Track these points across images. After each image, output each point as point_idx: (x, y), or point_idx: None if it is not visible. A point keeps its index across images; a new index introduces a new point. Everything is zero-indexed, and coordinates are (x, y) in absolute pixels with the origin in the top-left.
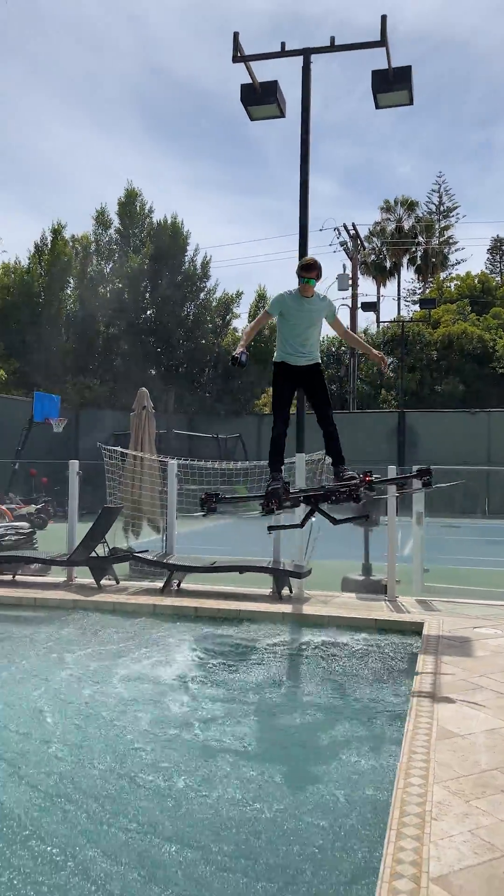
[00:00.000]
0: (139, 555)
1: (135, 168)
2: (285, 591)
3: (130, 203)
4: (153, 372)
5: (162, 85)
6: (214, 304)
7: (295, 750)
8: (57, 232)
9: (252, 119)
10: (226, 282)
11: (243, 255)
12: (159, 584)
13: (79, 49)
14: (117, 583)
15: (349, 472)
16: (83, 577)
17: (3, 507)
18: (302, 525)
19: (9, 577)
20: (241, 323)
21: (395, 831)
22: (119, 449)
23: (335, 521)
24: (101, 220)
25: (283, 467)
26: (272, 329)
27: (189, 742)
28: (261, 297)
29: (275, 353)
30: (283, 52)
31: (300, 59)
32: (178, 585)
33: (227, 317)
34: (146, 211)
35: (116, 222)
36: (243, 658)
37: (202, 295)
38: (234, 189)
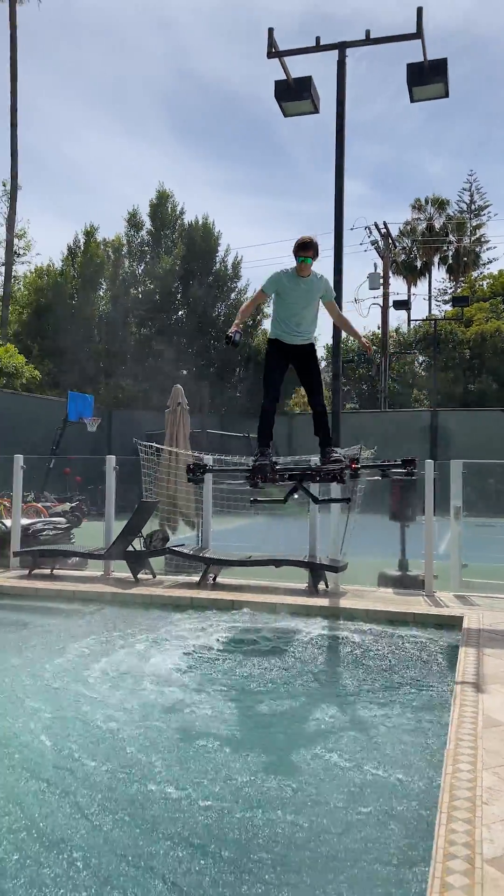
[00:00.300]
0: (176, 549)
1: (164, 171)
2: (321, 586)
3: (162, 205)
4: (185, 372)
5: (190, 88)
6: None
7: (343, 736)
8: (89, 234)
9: (286, 115)
10: (256, 282)
11: (273, 255)
12: (195, 579)
13: (109, 55)
14: (154, 576)
15: (336, 454)
16: (120, 571)
17: (39, 505)
18: (285, 501)
19: (47, 571)
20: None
21: (445, 814)
22: (154, 445)
23: (317, 501)
24: (133, 221)
25: (271, 442)
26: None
27: (251, 734)
28: None
29: (269, 330)
30: (319, 47)
31: (331, 59)
32: (214, 579)
33: (258, 316)
34: (177, 212)
35: (148, 224)
36: (284, 649)
37: (233, 295)
38: (262, 190)
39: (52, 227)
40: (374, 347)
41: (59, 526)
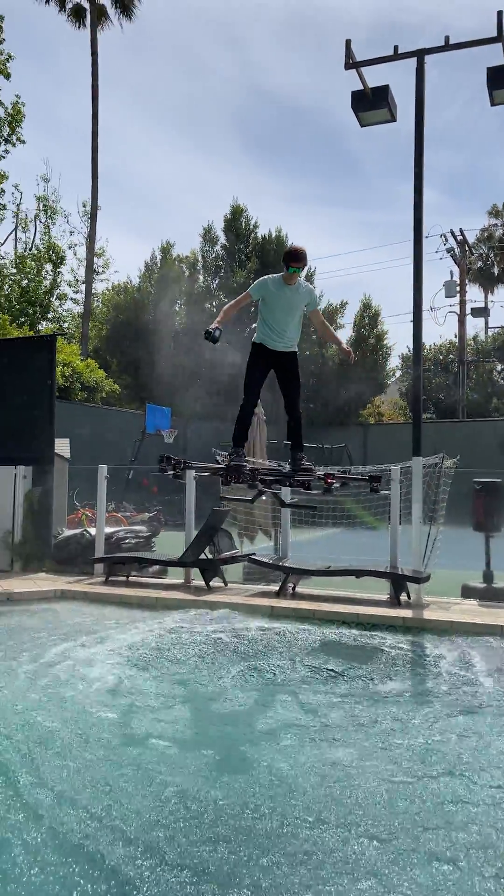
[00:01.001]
0: (257, 558)
1: (236, 187)
2: (403, 597)
3: (236, 219)
4: None
5: (260, 105)
6: None
7: (447, 749)
8: (165, 251)
9: (362, 125)
10: (329, 293)
11: (346, 266)
12: (273, 588)
13: (179, 75)
14: (225, 584)
15: (307, 463)
16: (198, 579)
17: (119, 515)
18: (252, 501)
19: (123, 578)
20: (345, 334)
21: None
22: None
23: (283, 505)
24: (208, 237)
25: (245, 444)
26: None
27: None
28: (365, 306)
29: (254, 335)
30: (397, 55)
31: (402, 67)
32: (293, 589)
33: (332, 327)
34: (251, 226)
35: (222, 238)
36: (370, 660)
37: None
38: (333, 202)
39: (129, 245)
40: (452, 357)
41: (140, 534)
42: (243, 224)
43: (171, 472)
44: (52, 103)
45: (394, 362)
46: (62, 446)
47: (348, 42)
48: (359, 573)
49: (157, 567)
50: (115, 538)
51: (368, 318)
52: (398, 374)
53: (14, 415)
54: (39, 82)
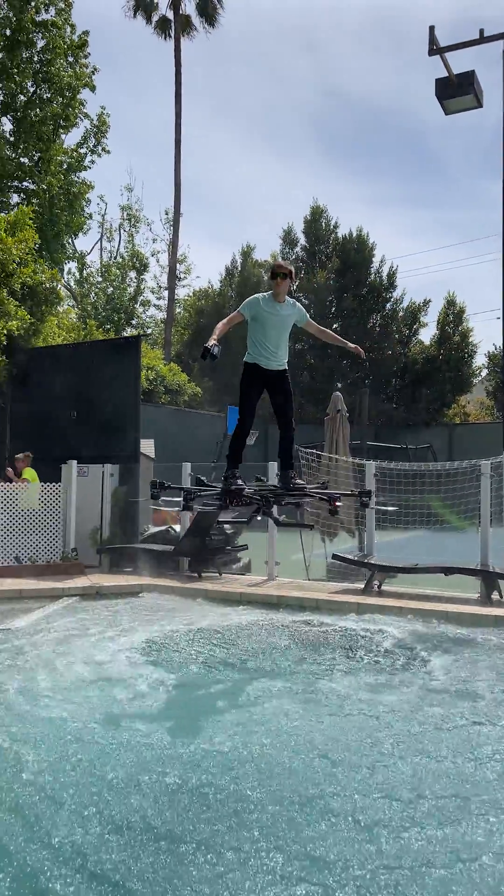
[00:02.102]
0: (342, 555)
1: (314, 191)
2: (495, 595)
3: (316, 220)
4: (339, 385)
5: (337, 108)
6: (401, 314)
7: None
8: (246, 255)
9: (447, 113)
10: (412, 293)
11: (429, 264)
12: (359, 586)
13: (259, 82)
14: (220, 574)
15: (300, 482)
16: (284, 575)
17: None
18: (248, 523)
19: (212, 573)
20: (428, 332)
21: None
22: (315, 452)
23: (279, 524)
24: (288, 239)
25: (240, 464)
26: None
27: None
28: (450, 303)
29: (246, 354)
30: (483, 39)
31: (480, 57)
32: (379, 587)
33: (415, 326)
34: (331, 227)
35: (303, 240)
36: (465, 656)
37: (388, 305)
38: (414, 202)
39: (210, 250)
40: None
41: (225, 531)
42: (323, 225)
43: (156, 496)
44: (135, 114)
45: (479, 360)
46: (147, 447)
47: (432, 28)
48: (448, 570)
49: (240, 563)
50: None
51: (453, 316)
52: (484, 372)
53: (101, 414)
54: (122, 94)
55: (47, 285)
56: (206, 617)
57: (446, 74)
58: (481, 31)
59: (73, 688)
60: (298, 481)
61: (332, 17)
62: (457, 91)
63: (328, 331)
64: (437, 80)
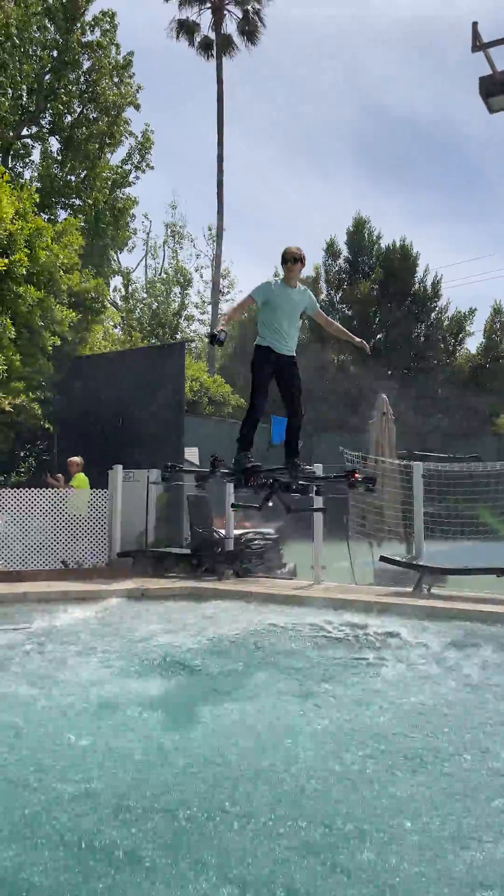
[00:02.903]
0: (387, 556)
1: (355, 206)
2: None
3: (359, 231)
4: (384, 396)
5: (378, 125)
6: (446, 323)
7: None
8: None
9: (491, 112)
10: (457, 301)
11: (472, 273)
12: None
13: (298, 100)
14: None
15: (308, 468)
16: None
17: (246, 524)
18: (260, 508)
19: (254, 577)
20: (474, 341)
21: None
22: (360, 454)
23: (289, 510)
24: (331, 251)
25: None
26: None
27: None
28: (496, 311)
29: (258, 338)
30: None
31: None
32: (429, 591)
33: (461, 335)
34: (374, 238)
35: (345, 251)
36: None
37: (433, 315)
38: (456, 215)
39: (253, 266)
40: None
41: (268, 536)
42: (366, 236)
43: (167, 478)
44: (177, 133)
45: None
46: (192, 454)
47: (475, 24)
48: (500, 571)
49: (287, 569)
50: (245, 539)
51: (500, 324)
52: None
53: (147, 420)
54: (166, 113)
55: (93, 294)
56: (270, 615)
57: (490, 72)
58: None
59: None
60: (307, 467)
61: (371, 35)
62: (500, 88)
63: (336, 323)
64: (480, 78)
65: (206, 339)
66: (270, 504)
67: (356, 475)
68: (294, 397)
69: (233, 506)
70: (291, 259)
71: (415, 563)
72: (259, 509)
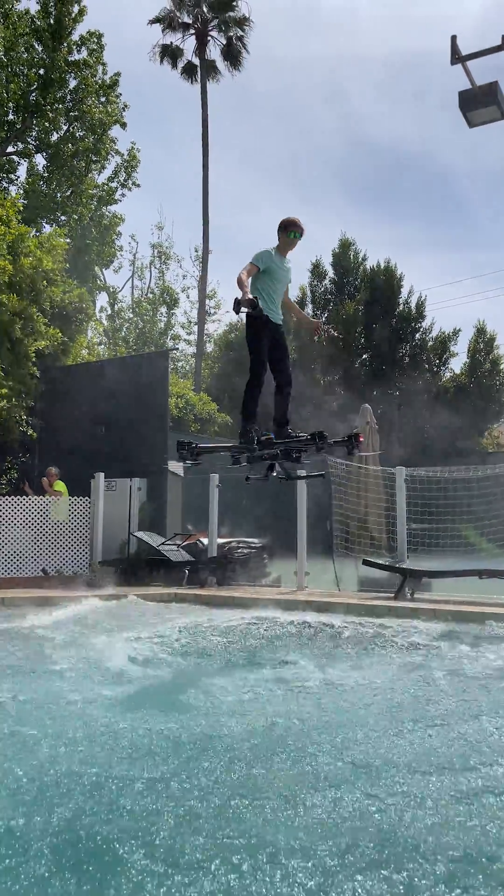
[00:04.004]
0: (372, 561)
1: (342, 230)
2: None
3: (344, 253)
4: (368, 406)
5: (363, 156)
6: (430, 343)
7: None
8: None
9: (471, 126)
10: (441, 321)
11: (456, 295)
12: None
13: (284, 134)
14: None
15: (301, 434)
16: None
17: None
18: (266, 478)
19: (236, 584)
20: (458, 361)
21: None
22: (343, 462)
23: (290, 477)
24: (317, 271)
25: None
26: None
27: None
28: (480, 331)
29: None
30: None
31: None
32: (412, 595)
33: (444, 355)
34: (359, 259)
35: (331, 273)
36: None
37: (417, 335)
38: (440, 246)
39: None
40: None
41: (252, 545)
42: (351, 257)
43: (192, 461)
44: (162, 156)
45: None
46: (177, 467)
47: (454, 38)
48: (482, 573)
49: (272, 577)
50: (228, 547)
51: (483, 344)
52: None
53: (130, 429)
54: (150, 135)
55: (77, 302)
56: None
57: (469, 87)
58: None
59: None
60: (300, 434)
61: (356, 67)
62: (480, 102)
63: (292, 302)
64: (460, 92)
65: (245, 310)
66: (275, 473)
67: (361, 437)
68: (285, 367)
69: (246, 479)
70: (299, 233)
71: (397, 565)
72: (266, 479)
